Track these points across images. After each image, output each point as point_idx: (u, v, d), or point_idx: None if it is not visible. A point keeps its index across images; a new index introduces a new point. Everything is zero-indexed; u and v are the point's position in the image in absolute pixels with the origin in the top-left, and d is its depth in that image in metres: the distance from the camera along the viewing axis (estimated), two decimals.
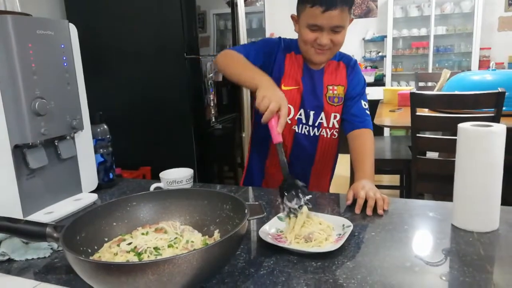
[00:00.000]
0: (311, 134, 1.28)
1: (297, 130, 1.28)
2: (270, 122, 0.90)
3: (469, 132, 0.81)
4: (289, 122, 1.27)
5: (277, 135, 0.89)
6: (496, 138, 0.79)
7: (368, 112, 1.30)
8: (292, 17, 1.25)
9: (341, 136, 1.33)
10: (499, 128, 0.79)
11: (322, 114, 1.27)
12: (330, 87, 1.26)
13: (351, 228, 0.82)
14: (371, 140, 1.23)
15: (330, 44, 1.17)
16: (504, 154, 0.81)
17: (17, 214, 0.95)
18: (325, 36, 1.15)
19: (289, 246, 0.77)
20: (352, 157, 1.22)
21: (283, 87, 1.25)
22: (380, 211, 0.95)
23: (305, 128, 1.28)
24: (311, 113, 1.27)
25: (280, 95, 0.94)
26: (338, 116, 1.28)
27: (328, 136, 1.29)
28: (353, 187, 1.05)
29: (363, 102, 1.29)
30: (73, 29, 1.07)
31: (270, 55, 1.26)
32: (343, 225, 0.84)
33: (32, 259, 0.80)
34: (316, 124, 1.28)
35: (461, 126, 0.83)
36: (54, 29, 1.00)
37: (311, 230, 0.80)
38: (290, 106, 1.24)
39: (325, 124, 1.28)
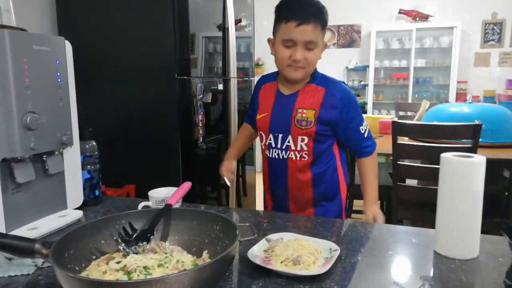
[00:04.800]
0: (280, 157, 1.34)
1: (269, 155, 1.37)
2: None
3: (452, 162, 0.85)
4: (263, 147, 1.39)
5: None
6: (477, 169, 0.83)
7: (366, 135, 1.38)
8: (269, 40, 1.32)
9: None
10: (480, 159, 0.83)
11: (289, 137, 1.31)
12: (300, 110, 1.29)
13: (338, 252, 0.84)
14: (370, 166, 1.39)
15: (304, 60, 1.23)
16: (483, 185, 0.85)
17: (0, 228, 0.92)
18: (299, 51, 1.22)
19: (277, 269, 0.78)
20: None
21: (257, 117, 1.38)
22: None
23: (275, 151, 1.35)
24: (279, 136, 1.33)
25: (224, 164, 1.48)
26: (306, 139, 1.30)
27: (298, 158, 1.33)
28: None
29: (360, 128, 1.37)
30: (68, 46, 1.08)
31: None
32: (330, 248, 0.86)
33: (16, 275, 0.78)
34: (284, 147, 1.33)
35: (444, 156, 0.87)
36: (50, 45, 1.01)
37: (299, 253, 0.81)
38: (262, 133, 1.38)
39: (292, 147, 1.32)
